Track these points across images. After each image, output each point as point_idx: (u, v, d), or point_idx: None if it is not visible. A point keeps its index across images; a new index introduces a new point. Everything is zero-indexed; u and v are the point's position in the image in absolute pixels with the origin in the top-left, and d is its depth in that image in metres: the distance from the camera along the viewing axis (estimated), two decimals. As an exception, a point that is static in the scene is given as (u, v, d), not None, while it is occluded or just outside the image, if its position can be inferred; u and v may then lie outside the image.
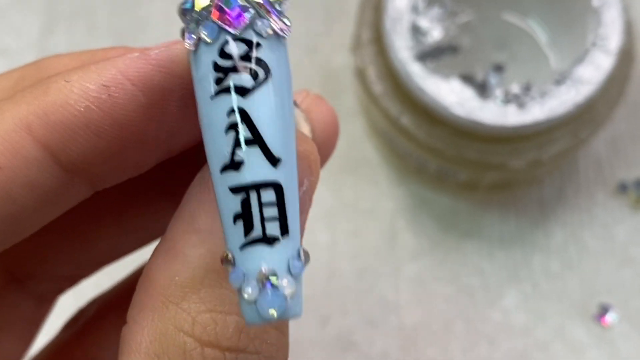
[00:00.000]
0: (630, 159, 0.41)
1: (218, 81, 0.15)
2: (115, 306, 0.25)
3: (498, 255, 0.40)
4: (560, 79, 0.34)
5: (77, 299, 0.27)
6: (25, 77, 0.20)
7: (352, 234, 0.40)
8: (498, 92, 0.34)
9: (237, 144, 0.15)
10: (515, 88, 0.34)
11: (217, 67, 0.15)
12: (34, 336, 0.24)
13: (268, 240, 0.15)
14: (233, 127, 0.15)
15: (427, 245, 0.40)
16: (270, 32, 0.16)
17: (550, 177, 0.41)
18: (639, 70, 0.39)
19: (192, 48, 0.16)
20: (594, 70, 0.34)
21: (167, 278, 0.17)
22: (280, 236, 0.15)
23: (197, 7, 0.16)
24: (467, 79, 0.36)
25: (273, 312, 0.15)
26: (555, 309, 0.39)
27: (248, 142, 0.15)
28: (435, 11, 0.36)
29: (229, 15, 0.16)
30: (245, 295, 0.15)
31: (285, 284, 0.15)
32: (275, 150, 0.15)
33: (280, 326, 0.17)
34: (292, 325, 0.42)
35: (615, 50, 0.34)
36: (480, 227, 0.40)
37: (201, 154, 0.17)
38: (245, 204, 0.15)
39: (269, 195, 0.15)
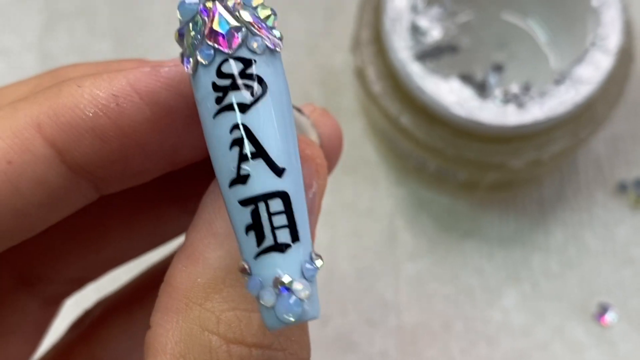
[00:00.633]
0: (630, 159, 0.41)
1: (218, 100, 0.16)
2: (120, 308, 0.25)
3: (498, 255, 0.40)
4: (560, 79, 0.34)
5: (80, 302, 0.27)
6: (42, 83, 0.21)
7: (351, 234, 0.40)
8: (497, 92, 0.34)
9: (242, 158, 0.16)
10: (514, 88, 0.34)
11: (216, 87, 0.16)
12: (40, 339, 0.25)
13: (280, 247, 0.16)
14: (237, 142, 0.16)
15: (426, 245, 0.40)
16: (264, 48, 0.16)
17: (549, 177, 0.41)
18: (638, 70, 0.39)
19: (191, 71, 0.17)
20: (593, 70, 0.34)
21: (189, 281, 0.18)
22: (291, 242, 0.16)
23: (191, 32, 0.17)
24: (467, 78, 0.36)
25: (290, 316, 0.16)
26: (555, 308, 0.39)
27: (252, 156, 0.16)
28: (435, 11, 0.36)
29: (221, 37, 0.16)
30: (263, 302, 0.16)
31: (299, 287, 0.16)
32: (279, 161, 0.16)
33: (303, 325, 0.18)
34: (292, 325, 0.42)
35: (615, 50, 0.34)
36: (479, 227, 0.40)
37: (209, 164, 0.17)
38: (255, 215, 0.16)
39: (276, 205, 0.16)
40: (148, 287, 0.25)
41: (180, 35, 0.17)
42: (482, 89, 0.35)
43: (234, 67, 0.16)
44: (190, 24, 0.17)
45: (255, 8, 0.17)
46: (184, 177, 0.22)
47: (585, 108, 0.35)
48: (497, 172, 0.36)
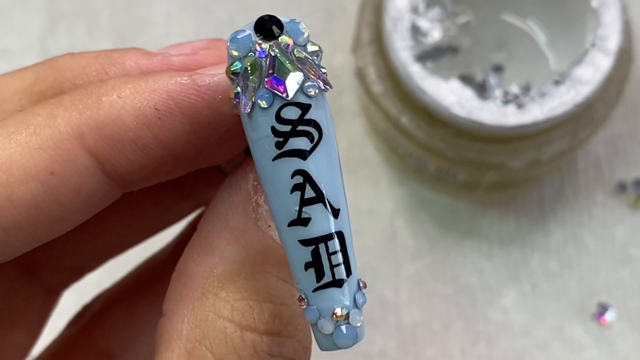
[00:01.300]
0: (630, 159, 0.41)
1: (278, 144, 0.17)
2: (120, 300, 0.26)
3: (497, 255, 0.40)
4: (560, 80, 0.34)
5: (78, 297, 0.27)
6: (40, 78, 0.20)
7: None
8: (498, 93, 0.34)
9: (303, 203, 0.17)
10: (514, 88, 0.34)
11: (275, 132, 0.17)
12: (42, 328, 0.25)
13: (337, 283, 0.17)
14: (298, 187, 0.17)
15: (426, 245, 0.40)
16: (317, 91, 0.17)
17: (549, 177, 0.41)
18: (638, 71, 0.39)
19: (247, 111, 0.17)
20: (593, 71, 0.34)
21: (205, 271, 0.18)
22: (345, 278, 0.17)
23: (251, 76, 0.17)
24: (467, 79, 0.36)
25: (349, 343, 0.17)
26: (555, 308, 0.39)
27: (312, 201, 0.17)
28: (435, 12, 0.36)
29: (282, 85, 0.17)
30: (322, 331, 0.17)
31: (356, 318, 0.17)
32: (334, 203, 0.17)
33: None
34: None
35: (614, 50, 0.34)
36: (479, 227, 0.40)
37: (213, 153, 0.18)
38: (315, 254, 0.17)
39: (334, 245, 0.17)
40: (147, 278, 0.26)
41: (234, 73, 0.17)
42: (482, 89, 0.35)
43: (293, 114, 0.17)
44: (249, 66, 0.17)
45: (305, 45, 0.18)
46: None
47: (585, 108, 0.35)
48: (497, 172, 0.36)
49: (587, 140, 0.36)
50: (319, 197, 0.17)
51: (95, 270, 0.26)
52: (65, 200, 0.18)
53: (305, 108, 0.17)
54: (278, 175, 0.17)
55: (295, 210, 0.17)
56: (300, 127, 0.17)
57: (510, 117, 0.34)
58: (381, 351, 0.38)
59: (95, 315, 0.25)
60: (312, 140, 0.17)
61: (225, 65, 0.18)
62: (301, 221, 0.17)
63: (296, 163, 0.17)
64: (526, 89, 0.34)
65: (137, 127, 0.18)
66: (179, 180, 0.23)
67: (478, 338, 0.39)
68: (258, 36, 0.17)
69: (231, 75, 0.17)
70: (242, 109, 0.17)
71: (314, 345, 0.40)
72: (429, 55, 0.35)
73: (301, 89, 0.17)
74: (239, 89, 0.17)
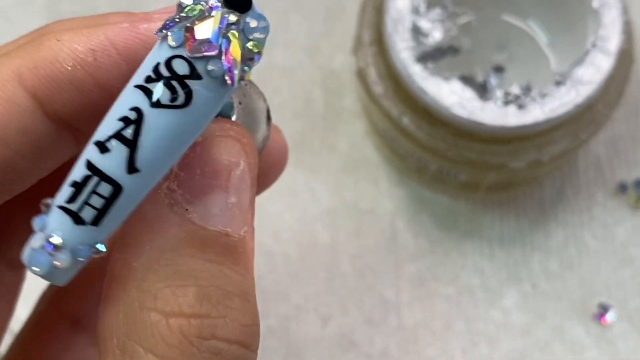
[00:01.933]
0: (630, 160, 0.41)
1: (147, 78, 0.17)
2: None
3: (498, 255, 0.40)
4: (561, 80, 0.34)
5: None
6: (28, 39, 0.21)
7: (352, 234, 0.40)
8: (498, 93, 0.34)
9: (117, 135, 0.17)
10: (515, 89, 0.34)
11: (155, 69, 0.17)
12: (13, 303, 0.25)
13: (77, 219, 0.17)
14: (125, 120, 0.17)
15: (427, 245, 0.40)
16: (218, 75, 0.17)
17: (550, 178, 0.41)
18: (639, 71, 0.39)
19: (158, 39, 0.17)
20: (593, 71, 0.34)
21: (125, 267, 0.18)
22: (89, 223, 0.17)
23: (185, 12, 0.17)
24: (468, 79, 0.36)
25: (36, 269, 0.17)
26: (555, 308, 0.39)
27: (124, 141, 0.17)
28: (436, 12, 0.36)
29: (194, 39, 0.17)
30: (33, 242, 0.17)
31: (62, 258, 0.17)
32: (140, 163, 0.17)
33: (244, 294, 0.19)
34: (293, 325, 0.42)
35: (615, 51, 0.34)
36: (480, 227, 0.40)
37: None
38: (85, 181, 0.17)
39: (105, 190, 0.17)
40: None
41: (180, 6, 0.17)
42: (483, 90, 0.35)
43: (180, 68, 0.17)
44: (190, 7, 0.17)
45: (248, 41, 0.17)
46: None
47: (586, 109, 0.35)
48: (498, 172, 0.36)
49: (588, 141, 0.36)
50: (132, 143, 0.17)
51: None
52: (12, 143, 0.18)
53: (193, 76, 0.17)
54: (125, 98, 0.17)
55: (107, 135, 0.17)
56: (174, 82, 0.16)
57: (511, 117, 0.34)
58: (382, 351, 0.38)
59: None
60: (172, 100, 0.17)
61: (166, 11, 0.18)
62: (101, 146, 0.17)
63: (143, 103, 0.17)
64: (527, 89, 0.34)
65: (73, 67, 0.18)
66: None
67: (479, 338, 0.39)
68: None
69: (178, 7, 0.17)
70: (156, 32, 0.17)
71: (316, 343, 0.40)
72: (430, 56, 0.35)
73: (205, 60, 0.16)
74: (171, 18, 0.17)
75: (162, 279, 0.18)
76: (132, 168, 0.17)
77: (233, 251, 0.19)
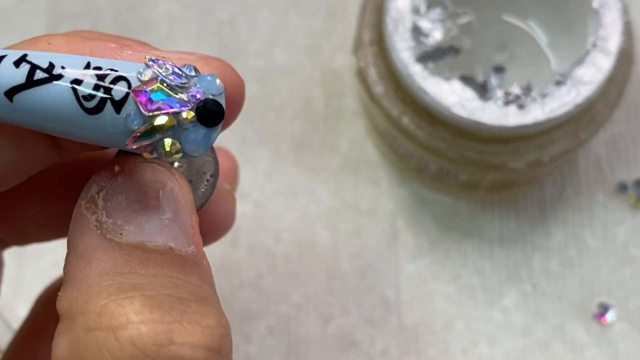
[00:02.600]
0: (630, 159, 0.41)
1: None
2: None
3: (498, 255, 0.40)
4: (561, 80, 0.34)
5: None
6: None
7: (352, 234, 0.40)
8: (499, 93, 0.34)
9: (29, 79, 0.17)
10: (516, 89, 0.34)
11: (96, 70, 0.17)
12: None
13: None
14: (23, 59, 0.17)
15: (427, 245, 0.40)
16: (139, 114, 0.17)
17: (550, 178, 0.41)
18: (639, 71, 0.39)
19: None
20: (594, 71, 0.34)
21: (68, 300, 0.17)
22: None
23: (146, 77, 0.17)
24: (468, 79, 0.36)
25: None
26: (555, 308, 0.39)
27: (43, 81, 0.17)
28: (437, 12, 0.36)
29: (144, 97, 0.17)
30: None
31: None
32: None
33: (201, 298, 0.18)
34: (293, 325, 0.42)
35: (615, 51, 0.34)
36: (480, 227, 0.40)
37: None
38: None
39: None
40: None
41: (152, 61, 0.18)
42: (483, 90, 0.35)
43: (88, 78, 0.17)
44: (160, 69, 0.17)
45: (179, 107, 0.17)
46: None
47: (586, 109, 0.35)
48: (498, 172, 0.36)
49: (588, 141, 0.36)
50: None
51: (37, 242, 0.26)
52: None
53: (105, 90, 0.17)
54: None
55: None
56: (100, 82, 0.17)
57: (511, 117, 0.34)
58: (382, 351, 0.39)
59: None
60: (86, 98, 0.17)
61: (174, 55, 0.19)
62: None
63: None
64: (527, 89, 0.34)
65: None
66: None
67: (479, 338, 0.39)
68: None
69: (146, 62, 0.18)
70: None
71: (316, 343, 0.40)
72: (430, 56, 0.35)
73: (135, 106, 0.17)
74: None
75: (103, 297, 0.17)
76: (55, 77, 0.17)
77: (182, 263, 0.18)
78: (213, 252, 0.39)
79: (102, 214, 0.18)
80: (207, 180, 0.21)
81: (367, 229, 0.40)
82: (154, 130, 0.17)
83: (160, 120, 0.17)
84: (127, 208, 0.18)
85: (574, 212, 0.40)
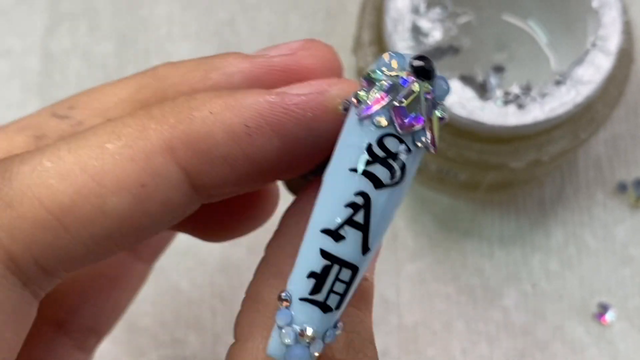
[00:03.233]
0: (630, 159, 0.41)
1: (367, 162, 0.17)
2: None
3: (498, 255, 0.40)
4: (561, 80, 0.34)
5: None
6: (143, 85, 0.21)
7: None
8: (498, 93, 0.34)
9: (349, 221, 0.17)
10: (515, 88, 0.34)
11: (370, 150, 0.17)
12: (137, 290, 0.26)
13: (325, 307, 0.17)
14: (354, 206, 0.17)
15: (427, 245, 0.40)
16: (422, 144, 0.17)
17: (550, 177, 0.41)
18: (638, 71, 0.39)
19: (364, 115, 0.17)
20: (593, 71, 0.34)
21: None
22: (334, 309, 0.17)
23: (383, 89, 0.17)
24: (468, 79, 0.36)
25: None
26: (555, 308, 0.39)
27: (357, 226, 0.17)
28: (436, 12, 0.36)
29: (406, 118, 0.17)
30: (282, 336, 0.17)
31: (317, 349, 0.17)
32: (371, 242, 0.17)
33: (373, 341, 0.19)
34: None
35: (615, 50, 0.34)
36: (480, 226, 0.40)
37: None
38: (325, 270, 0.17)
39: (346, 275, 0.17)
40: None
41: (368, 81, 0.17)
42: (483, 89, 0.35)
43: (394, 146, 0.17)
44: (384, 82, 0.17)
45: (439, 105, 0.18)
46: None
47: (586, 109, 0.35)
48: (498, 172, 0.36)
49: (588, 141, 0.36)
50: (364, 227, 0.17)
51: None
52: (153, 212, 0.18)
53: (405, 150, 0.17)
54: (345, 185, 0.17)
55: (338, 223, 0.17)
56: (392, 162, 0.17)
57: (510, 117, 0.34)
58: (382, 351, 0.39)
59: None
60: (391, 179, 0.17)
61: (312, 85, 0.18)
62: (335, 235, 0.17)
63: (368, 187, 0.17)
64: (527, 89, 0.34)
65: (227, 143, 0.18)
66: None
67: (479, 338, 0.39)
68: (409, 69, 0.17)
69: (364, 76, 0.18)
70: (362, 112, 0.17)
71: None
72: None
73: (414, 135, 0.17)
74: (364, 94, 0.17)
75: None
76: (365, 249, 0.17)
77: (367, 296, 0.20)
78: (213, 252, 0.39)
79: None
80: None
81: (367, 228, 0.40)
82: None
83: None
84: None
85: (574, 212, 0.40)
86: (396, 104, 0.17)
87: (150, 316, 0.38)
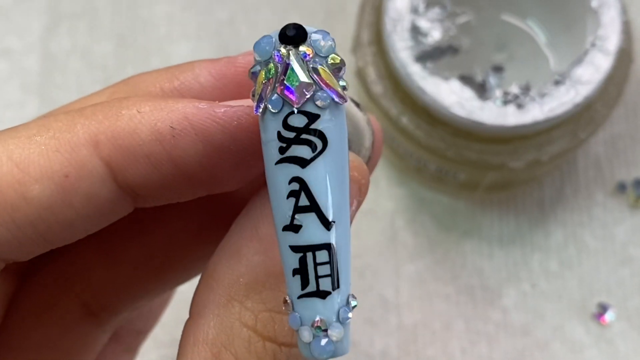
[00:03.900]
0: (630, 159, 0.41)
1: (281, 150, 0.17)
2: (100, 252, 0.26)
3: (497, 255, 0.40)
4: (560, 80, 0.34)
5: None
6: (115, 92, 0.21)
7: (352, 234, 0.40)
8: (498, 93, 0.34)
9: (296, 209, 0.17)
10: (514, 88, 0.34)
11: (280, 137, 0.17)
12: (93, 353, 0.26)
13: (321, 294, 0.17)
14: (293, 194, 0.17)
15: (427, 245, 0.40)
16: (329, 103, 0.17)
17: (549, 177, 0.41)
18: (638, 71, 0.39)
19: (258, 112, 0.18)
20: (593, 71, 0.34)
21: (232, 279, 0.19)
22: (331, 290, 0.17)
23: (263, 78, 0.17)
24: (467, 79, 0.36)
25: (324, 356, 0.18)
26: (555, 308, 0.39)
27: (305, 209, 0.17)
28: (435, 12, 0.36)
29: (291, 92, 0.17)
30: (301, 338, 0.18)
31: (335, 332, 0.18)
32: (329, 214, 0.17)
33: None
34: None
35: (614, 50, 0.34)
36: (479, 227, 0.40)
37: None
38: (302, 262, 0.17)
39: (322, 256, 0.17)
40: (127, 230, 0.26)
41: (253, 74, 0.18)
42: (482, 89, 0.35)
43: (298, 122, 0.17)
44: (264, 70, 0.17)
45: (326, 57, 0.18)
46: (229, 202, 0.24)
47: (585, 108, 0.35)
48: (497, 172, 0.36)
49: (587, 140, 0.36)
50: (313, 207, 0.17)
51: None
52: (77, 204, 0.18)
53: (312, 118, 0.17)
54: (278, 179, 0.17)
55: (289, 216, 0.17)
56: (303, 136, 0.17)
57: (510, 117, 0.34)
58: (382, 351, 0.39)
59: (74, 267, 0.25)
60: (314, 150, 0.17)
61: (246, 101, 0.19)
62: (293, 227, 0.17)
63: (294, 170, 0.17)
64: (526, 89, 0.34)
65: (151, 142, 0.18)
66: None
67: (478, 338, 0.39)
68: (282, 44, 0.17)
69: (249, 76, 0.18)
70: (254, 110, 0.17)
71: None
72: (429, 56, 0.35)
73: (312, 100, 0.17)
74: (256, 89, 0.18)
75: (265, 302, 0.19)
76: (327, 224, 0.17)
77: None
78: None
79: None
80: (368, 125, 0.22)
81: (367, 228, 0.40)
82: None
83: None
84: None
85: (573, 212, 0.40)
86: (277, 85, 0.17)
87: (149, 316, 0.38)
